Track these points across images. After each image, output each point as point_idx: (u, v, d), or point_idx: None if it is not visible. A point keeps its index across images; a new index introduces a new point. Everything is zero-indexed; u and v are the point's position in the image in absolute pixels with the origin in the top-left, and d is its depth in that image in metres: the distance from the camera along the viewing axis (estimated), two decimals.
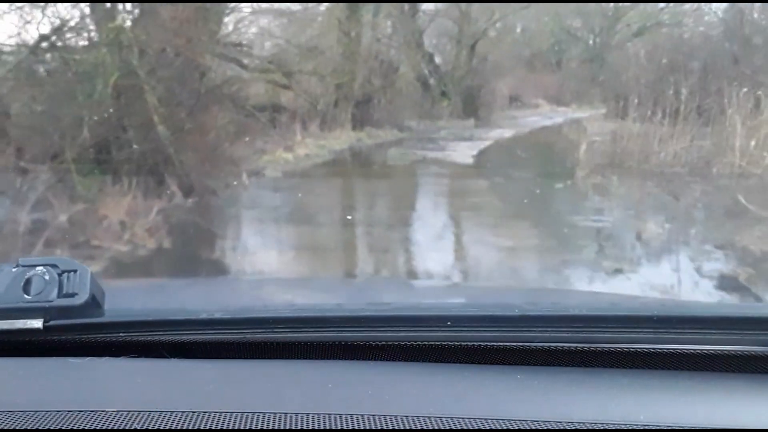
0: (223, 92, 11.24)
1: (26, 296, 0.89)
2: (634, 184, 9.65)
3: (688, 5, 33.50)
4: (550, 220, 7.28)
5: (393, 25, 23.38)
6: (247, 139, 13.30)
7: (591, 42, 35.51)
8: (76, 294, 0.89)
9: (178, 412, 0.72)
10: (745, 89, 14.06)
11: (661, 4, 34.75)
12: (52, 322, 0.89)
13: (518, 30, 30.65)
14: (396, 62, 21.46)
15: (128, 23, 8.98)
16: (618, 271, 5.50)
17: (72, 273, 0.90)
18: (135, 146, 8.35)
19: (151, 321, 0.94)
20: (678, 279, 5.37)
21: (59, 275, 0.90)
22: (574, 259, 6.02)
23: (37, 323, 0.88)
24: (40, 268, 0.90)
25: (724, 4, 23.11)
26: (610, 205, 8.15)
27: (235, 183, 9.83)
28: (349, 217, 7.43)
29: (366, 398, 0.80)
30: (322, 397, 0.79)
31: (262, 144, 13.93)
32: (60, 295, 0.89)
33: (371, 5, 20.97)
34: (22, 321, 0.88)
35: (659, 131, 14.65)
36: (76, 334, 0.91)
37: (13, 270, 0.91)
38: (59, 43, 8.34)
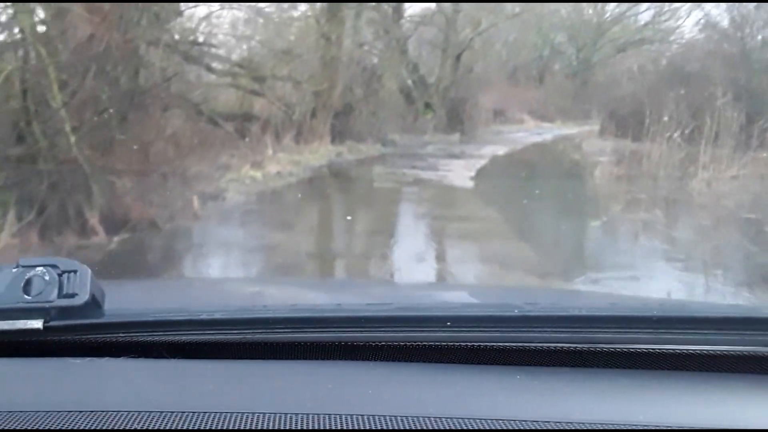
0: (171, 95, 8.74)
1: (26, 297, 0.85)
2: (691, 224, 7.34)
3: (673, 22, 31.94)
4: (617, 285, 4.89)
5: (376, 31, 21.00)
6: (206, 152, 10.81)
7: (575, 57, 33.69)
8: (76, 294, 0.85)
9: (178, 412, 0.69)
10: None
11: (643, 21, 33.11)
12: (52, 323, 0.85)
13: (503, 42, 28.54)
14: (379, 70, 19.07)
15: None
16: None
17: (72, 273, 0.86)
18: (40, 164, 5.89)
19: (151, 321, 0.91)
20: None
21: (59, 275, 0.86)
22: None
23: (37, 323, 0.85)
24: (40, 268, 0.86)
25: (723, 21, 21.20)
26: (683, 260, 5.77)
27: (183, 212, 7.35)
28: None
29: (366, 398, 0.76)
30: (322, 398, 0.76)
31: (227, 159, 11.44)
32: (60, 295, 0.85)
33: (353, 7, 18.57)
34: (22, 321, 0.85)
35: (677, 155, 12.47)
36: (76, 335, 0.88)
37: (13, 270, 0.86)
38: None
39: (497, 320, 0.89)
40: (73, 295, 0.85)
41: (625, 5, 32.68)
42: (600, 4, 33.06)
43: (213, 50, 14.27)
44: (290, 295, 1.59)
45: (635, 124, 20.65)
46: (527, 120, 29.75)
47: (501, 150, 17.19)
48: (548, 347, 0.87)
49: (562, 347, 0.87)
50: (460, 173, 12.01)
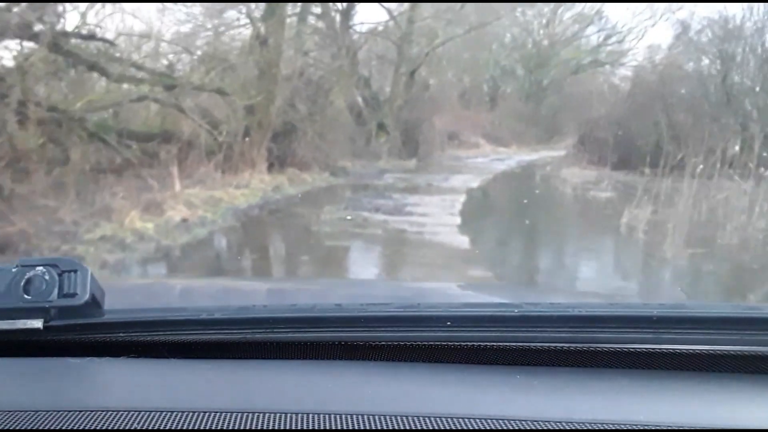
0: None
1: (26, 296, 0.79)
2: None
3: (627, 44, 29.41)
4: None
5: (323, 40, 17.27)
6: (68, 190, 6.84)
7: (526, 79, 30.85)
8: (77, 294, 0.79)
9: (178, 411, 0.66)
10: None
11: (596, 41, 30.54)
12: (52, 322, 0.80)
13: (454, 62, 25.21)
14: (326, 84, 15.31)
15: None
16: None
17: (72, 273, 0.80)
18: None
19: (151, 321, 0.85)
20: None
21: (59, 275, 0.80)
22: None
23: (38, 323, 0.79)
24: (41, 268, 0.80)
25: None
26: None
27: None
28: None
29: (366, 398, 0.73)
30: (321, 397, 0.72)
31: (111, 198, 7.51)
32: (60, 295, 0.79)
33: (296, 8, 14.78)
34: (22, 321, 0.79)
35: (720, 192, 9.19)
36: (77, 334, 0.83)
37: (14, 270, 0.80)
38: None
39: (497, 320, 0.84)
40: (73, 295, 0.80)
41: (575, 27, 30.19)
42: (549, 26, 30.45)
43: (108, 48, 10.24)
44: (290, 295, 1.47)
45: (616, 151, 17.52)
46: (482, 144, 26.49)
47: (473, 181, 13.59)
48: (548, 347, 0.82)
49: (562, 347, 0.82)
50: (440, 219, 8.30)
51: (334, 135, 14.93)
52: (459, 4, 19.40)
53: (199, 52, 12.94)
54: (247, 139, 12.44)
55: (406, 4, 18.62)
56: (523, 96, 30.23)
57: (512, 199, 10.67)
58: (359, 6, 18.08)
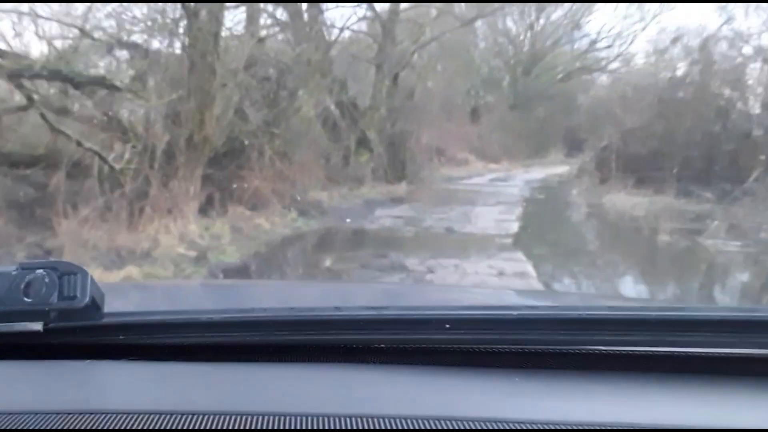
0: None
1: (26, 299, 0.74)
2: None
3: (615, 50, 25.44)
4: None
5: (284, 27, 12.46)
6: None
7: (513, 88, 26.56)
8: (76, 297, 0.74)
9: (178, 414, 0.62)
10: None
11: (582, 47, 26.49)
12: (52, 325, 0.75)
13: (440, 68, 20.61)
14: (290, 84, 10.49)
15: None
16: None
17: (72, 276, 0.75)
18: None
19: (150, 324, 0.81)
20: None
21: (59, 278, 0.75)
22: None
23: (37, 326, 0.74)
24: (41, 270, 0.75)
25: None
26: None
27: None
28: None
29: (364, 400, 0.69)
30: (321, 399, 0.68)
31: None
32: (60, 297, 0.74)
33: None
34: (22, 324, 0.74)
35: None
36: (76, 337, 0.78)
37: (13, 273, 0.75)
38: None
39: (496, 323, 0.80)
40: (73, 298, 0.75)
41: (557, 34, 26.06)
42: (533, 28, 26.30)
43: None
44: (289, 298, 1.38)
45: (653, 170, 13.08)
46: (471, 160, 21.88)
47: (504, 219, 8.95)
48: (546, 350, 0.78)
49: (560, 350, 0.78)
50: None
51: (302, 155, 10.11)
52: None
53: (99, 33, 7.97)
54: (169, 165, 7.57)
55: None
56: (510, 106, 25.83)
57: (609, 265, 6.00)
58: None
